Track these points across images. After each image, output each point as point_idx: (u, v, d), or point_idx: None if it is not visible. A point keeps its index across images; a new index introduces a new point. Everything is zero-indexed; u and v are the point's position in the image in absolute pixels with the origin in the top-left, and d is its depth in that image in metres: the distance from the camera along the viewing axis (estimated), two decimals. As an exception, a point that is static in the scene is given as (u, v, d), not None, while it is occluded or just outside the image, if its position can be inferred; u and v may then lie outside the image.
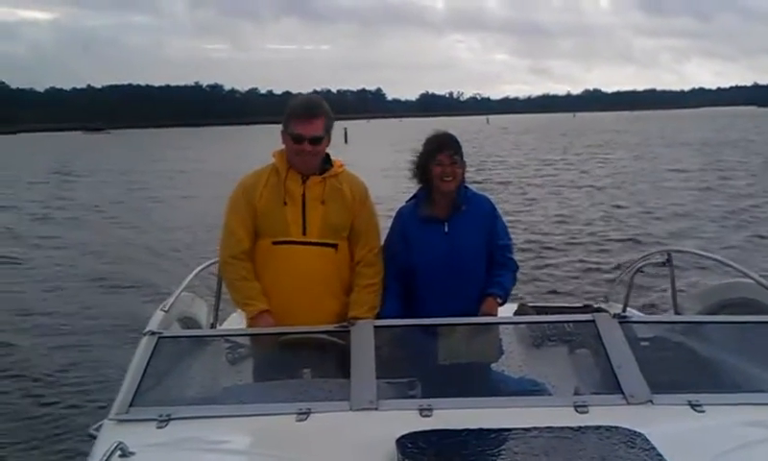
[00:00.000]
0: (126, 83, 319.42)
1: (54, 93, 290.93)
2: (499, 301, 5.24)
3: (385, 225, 5.46)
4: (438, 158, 5.16)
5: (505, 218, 5.64)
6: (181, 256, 20.25)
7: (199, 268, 6.03)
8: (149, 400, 4.08)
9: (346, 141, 77.04)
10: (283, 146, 5.14)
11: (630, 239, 21.69)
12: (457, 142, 5.29)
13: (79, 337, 13.40)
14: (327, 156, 5.21)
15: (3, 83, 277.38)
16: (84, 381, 10.88)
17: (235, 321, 6.30)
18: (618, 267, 15.63)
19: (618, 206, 29.03)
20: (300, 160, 5.03)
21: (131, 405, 4.00)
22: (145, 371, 4.23)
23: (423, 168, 5.25)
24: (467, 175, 5.37)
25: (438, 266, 5.17)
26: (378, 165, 38.49)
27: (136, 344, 4.52)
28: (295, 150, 5.00)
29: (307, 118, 5.00)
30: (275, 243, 5.03)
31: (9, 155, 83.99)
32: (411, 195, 5.49)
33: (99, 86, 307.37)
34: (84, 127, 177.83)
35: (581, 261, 18.72)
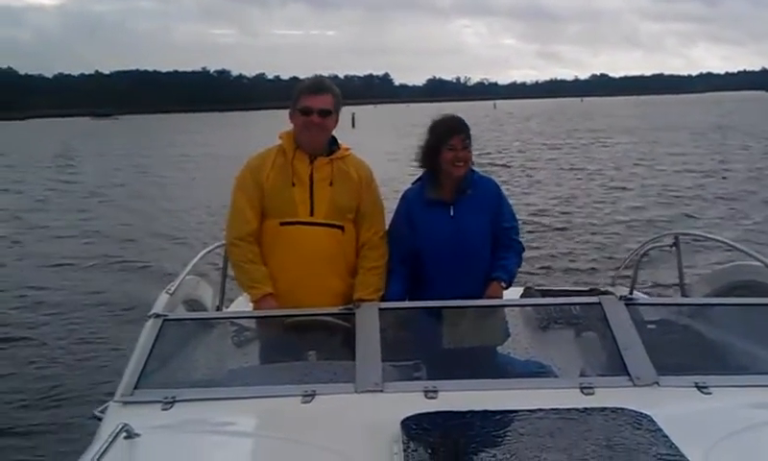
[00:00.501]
0: (134, 68, 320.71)
1: (62, 79, 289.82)
2: (503, 284, 5.23)
3: (390, 207, 5.44)
4: (450, 143, 5.11)
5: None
6: (187, 238, 20.50)
7: (204, 251, 6.05)
8: (154, 382, 4.08)
9: (353, 126, 77.51)
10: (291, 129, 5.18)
11: (628, 221, 22.05)
12: (467, 126, 5.26)
13: (82, 319, 13.54)
14: (335, 139, 5.22)
15: (11, 69, 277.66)
16: (89, 363, 11.01)
17: (241, 304, 6.29)
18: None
19: (617, 188, 29.63)
20: (308, 136, 5.05)
21: (135, 387, 4.00)
22: (150, 353, 4.23)
23: (434, 152, 5.19)
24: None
25: (443, 249, 5.16)
26: (385, 149, 38.86)
27: (141, 326, 4.52)
28: (303, 122, 5.03)
29: (316, 92, 5.07)
30: (282, 224, 5.03)
31: (20, 140, 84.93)
32: (416, 178, 5.46)
33: (107, 72, 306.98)
34: (93, 112, 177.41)
35: (585, 243, 18.96)
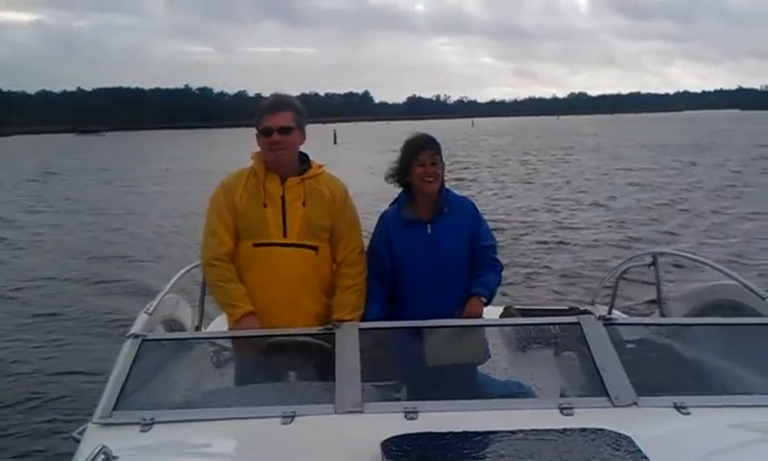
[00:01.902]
0: (116, 85, 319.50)
1: (45, 96, 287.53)
2: (483, 300, 5.21)
3: (370, 222, 5.46)
4: (419, 159, 5.15)
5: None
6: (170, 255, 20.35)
7: (183, 270, 6.01)
8: (132, 403, 4.05)
9: (335, 142, 78.13)
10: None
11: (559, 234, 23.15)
12: (437, 143, 5.28)
13: (59, 338, 13.39)
14: (306, 157, 5.22)
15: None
16: (67, 384, 10.82)
17: (220, 324, 6.24)
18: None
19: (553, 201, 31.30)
20: (272, 156, 5.03)
21: (114, 409, 3.97)
22: (129, 374, 4.20)
23: (405, 169, 5.23)
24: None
25: (421, 267, 5.17)
26: (366, 163, 39.34)
27: (120, 346, 4.49)
28: (265, 143, 5.02)
29: (275, 111, 5.06)
30: (255, 245, 5.02)
31: (5, 156, 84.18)
32: (393, 199, 5.46)
33: (89, 89, 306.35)
34: (78, 129, 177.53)
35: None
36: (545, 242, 21.91)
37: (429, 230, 5.21)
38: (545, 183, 39.23)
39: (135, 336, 4.52)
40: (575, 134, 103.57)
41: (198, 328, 6.12)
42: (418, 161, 5.15)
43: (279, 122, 5.00)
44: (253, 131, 5.11)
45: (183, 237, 22.39)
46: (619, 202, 30.62)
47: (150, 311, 5.05)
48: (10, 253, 22.98)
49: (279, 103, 5.12)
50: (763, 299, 5.08)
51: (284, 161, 5.06)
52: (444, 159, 5.28)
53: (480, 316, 5.18)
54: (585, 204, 30.62)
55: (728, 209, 27.74)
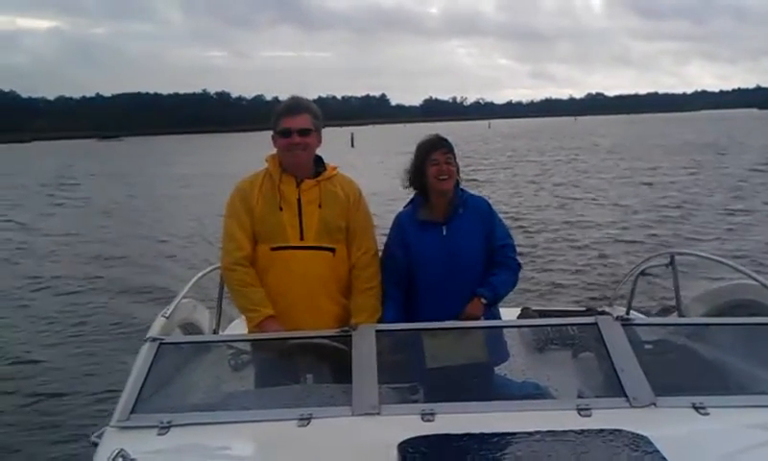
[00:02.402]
0: (135, 91, 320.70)
1: (64, 102, 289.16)
2: (484, 301, 5.18)
3: (385, 223, 5.49)
4: (433, 157, 5.18)
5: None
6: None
7: (200, 274, 6.04)
8: (150, 406, 4.07)
9: (353, 145, 78.27)
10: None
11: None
12: (449, 143, 5.31)
13: (79, 342, 13.52)
14: (321, 159, 5.22)
15: (13, 92, 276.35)
16: (86, 387, 10.92)
17: (237, 327, 6.28)
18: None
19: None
20: (291, 157, 5.04)
21: (132, 412, 3.99)
22: (146, 377, 4.22)
23: (419, 170, 5.25)
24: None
25: (437, 269, 5.17)
26: (383, 165, 40.12)
27: (138, 350, 4.51)
28: (285, 145, 5.03)
29: (294, 113, 5.07)
30: (273, 249, 5.02)
31: (26, 162, 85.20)
32: (408, 200, 5.48)
33: (108, 95, 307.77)
34: (99, 134, 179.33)
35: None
36: (557, 241, 22.17)
37: (445, 232, 5.21)
38: (557, 183, 40.02)
39: (153, 340, 4.54)
40: (590, 135, 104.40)
41: (215, 332, 6.15)
42: (432, 161, 5.17)
43: (299, 124, 5.02)
44: (270, 134, 5.13)
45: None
46: (633, 202, 30.69)
47: (167, 315, 5.07)
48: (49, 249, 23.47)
49: (298, 105, 5.13)
50: None
51: (303, 163, 5.08)
52: (457, 160, 5.30)
53: (478, 317, 5.14)
54: (600, 204, 30.71)
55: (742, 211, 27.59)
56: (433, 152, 5.20)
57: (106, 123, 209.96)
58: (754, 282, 5.52)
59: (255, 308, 5.00)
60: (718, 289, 6.44)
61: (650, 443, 3.32)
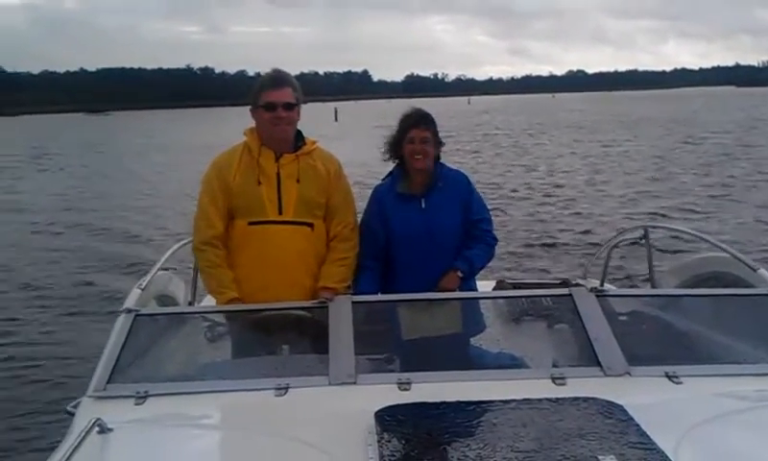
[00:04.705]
0: (118, 66, 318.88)
1: (48, 76, 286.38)
2: (460, 274, 5.19)
3: (364, 196, 5.49)
4: (409, 135, 5.18)
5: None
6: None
7: (176, 246, 6.02)
8: (127, 377, 4.07)
9: (336, 120, 78.87)
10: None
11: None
12: (428, 120, 5.30)
13: (54, 314, 13.51)
14: (300, 133, 5.18)
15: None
16: (61, 359, 10.90)
17: (213, 299, 6.27)
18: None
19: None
20: (277, 131, 5.00)
21: (108, 382, 3.99)
22: (122, 348, 4.22)
23: (397, 144, 5.27)
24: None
25: (415, 242, 5.18)
26: (365, 138, 40.43)
27: (114, 322, 4.50)
28: (269, 119, 4.98)
29: (277, 86, 5.03)
30: (251, 223, 5.00)
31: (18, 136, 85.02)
32: (387, 173, 5.49)
33: (92, 70, 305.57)
34: (86, 108, 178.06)
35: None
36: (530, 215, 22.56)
37: (423, 205, 5.23)
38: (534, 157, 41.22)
39: (129, 311, 4.54)
40: (559, 111, 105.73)
41: (191, 304, 6.15)
42: (407, 139, 5.18)
43: (284, 98, 4.99)
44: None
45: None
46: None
47: (143, 286, 5.06)
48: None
49: (281, 79, 5.09)
50: (755, 270, 5.09)
51: (287, 137, 5.06)
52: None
53: (453, 290, 5.14)
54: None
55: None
56: (410, 129, 5.19)
57: (92, 97, 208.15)
58: (725, 255, 5.56)
59: (221, 290, 5.01)
60: (691, 261, 6.50)
61: (624, 410, 3.36)
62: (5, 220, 24.41)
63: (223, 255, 5.04)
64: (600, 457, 2.90)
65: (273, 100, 4.97)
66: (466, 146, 46.69)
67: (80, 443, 3.13)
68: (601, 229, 19.66)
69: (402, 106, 5.52)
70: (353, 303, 4.57)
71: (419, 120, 5.25)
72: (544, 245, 18.42)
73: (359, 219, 5.37)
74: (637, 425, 3.21)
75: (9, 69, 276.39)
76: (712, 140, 47.11)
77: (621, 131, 58.86)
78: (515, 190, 28.13)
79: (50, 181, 36.97)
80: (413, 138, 5.16)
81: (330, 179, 5.14)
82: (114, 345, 4.25)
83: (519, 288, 6.36)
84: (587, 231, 19.84)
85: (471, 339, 4.95)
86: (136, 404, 3.81)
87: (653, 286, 6.46)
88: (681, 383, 3.86)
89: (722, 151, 40.11)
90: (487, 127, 70.73)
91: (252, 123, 5.16)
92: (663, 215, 21.65)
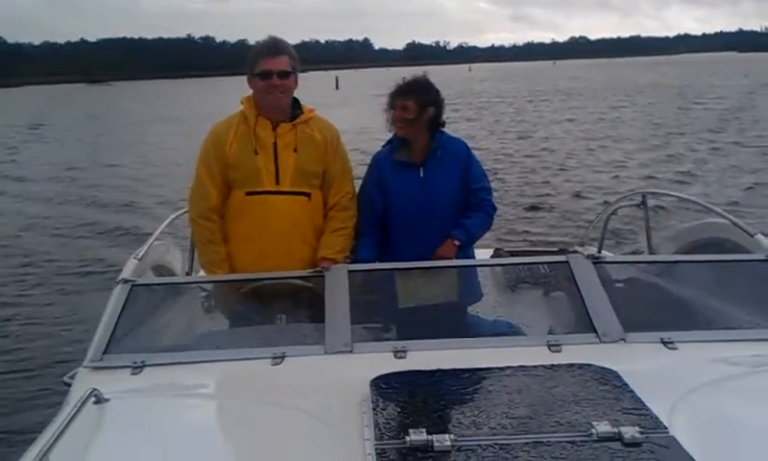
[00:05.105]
0: (119, 36, 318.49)
1: (50, 47, 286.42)
2: (457, 243, 5.18)
3: (363, 162, 5.49)
4: (395, 103, 5.18)
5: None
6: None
7: (172, 216, 5.97)
8: (123, 347, 4.08)
9: (337, 88, 79.18)
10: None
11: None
12: (412, 89, 5.25)
13: (50, 285, 13.56)
14: (297, 101, 5.14)
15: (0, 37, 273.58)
16: (58, 330, 10.96)
17: None
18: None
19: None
20: (271, 99, 4.97)
21: (105, 353, 4.00)
22: (119, 319, 4.23)
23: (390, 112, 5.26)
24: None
25: (413, 210, 5.17)
26: (365, 105, 40.44)
27: (110, 292, 4.50)
28: (263, 87, 4.95)
29: (273, 54, 4.99)
30: (248, 194, 4.98)
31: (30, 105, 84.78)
32: (386, 141, 5.46)
33: (94, 40, 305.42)
34: (88, 79, 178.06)
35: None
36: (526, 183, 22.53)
37: (422, 174, 5.21)
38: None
39: (125, 281, 4.53)
40: (557, 79, 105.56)
41: (188, 274, 6.13)
42: (395, 106, 5.18)
43: (279, 66, 4.95)
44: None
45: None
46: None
47: (139, 257, 5.04)
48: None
49: (277, 46, 5.05)
50: (752, 236, 5.07)
51: (282, 105, 5.02)
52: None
53: (450, 259, 5.13)
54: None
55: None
56: (395, 98, 5.20)
57: (93, 67, 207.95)
58: (723, 221, 5.54)
59: (212, 269, 5.05)
60: (688, 227, 6.47)
61: (619, 377, 3.37)
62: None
63: (217, 229, 5.04)
64: (594, 423, 2.90)
65: (268, 68, 4.93)
66: (465, 114, 46.61)
67: (76, 413, 3.14)
68: (595, 194, 19.88)
69: (403, 73, 5.49)
70: (349, 271, 4.56)
71: (400, 89, 5.24)
72: (533, 207, 18.78)
73: (357, 187, 5.36)
74: (632, 391, 3.22)
75: (10, 40, 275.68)
76: (709, 106, 47.17)
77: (622, 97, 59.01)
78: (508, 154, 28.60)
79: (49, 152, 37.05)
80: (396, 106, 5.16)
81: (328, 148, 5.11)
82: (111, 315, 4.25)
83: (517, 256, 6.35)
84: (581, 196, 19.95)
85: (468, 307, 4.97)
86: (133, 374, 3.82)
87: (650, 252, 6.45)
88: (676, 349, 3.87)
89: (721, 117, 40.05)
90: (486, 95, 70.78)
91: (250, 92, 5.12)
92: (659, 180, 21.75)
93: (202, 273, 6.25)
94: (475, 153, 5.46)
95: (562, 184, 22.23)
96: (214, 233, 5.03)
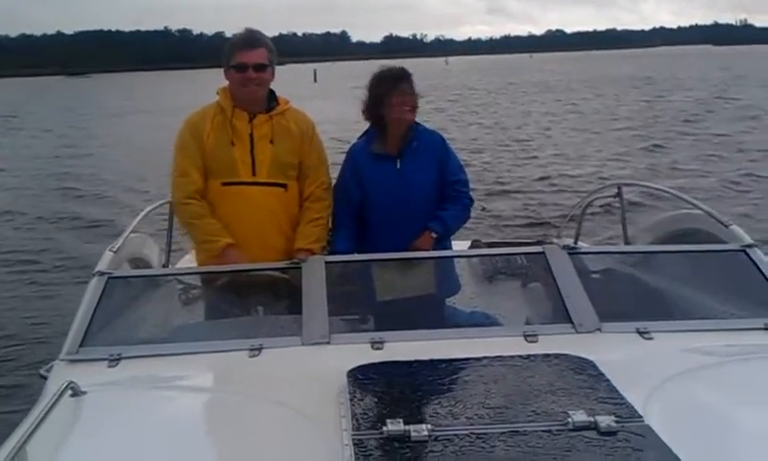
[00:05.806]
0: (95, 29, 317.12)
1: (26, 39, 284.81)
2: (434, 235, 5.18)
3: (341, 150, 5.47)
4: (399, 88, 5.11)
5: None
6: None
7: (148, 208, 5.91)
8: (99, 339, 4.06)
9: (315, 80, 79.45)
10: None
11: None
12: (409, 75, 5.26)
13: (25, 278, 13.42)
14: (273, 94, 5.14)
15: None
16: (34, 323, 10.84)
17: (187, 261, 6.25)
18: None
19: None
20: (246, 92, 4.96)
21: (81, 345, 3.98)
22: (95, 311, 4.20)
23: (380, 102, 5.16)
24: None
25: (390, 202, 5.17)
26: (343, 98, 40.40)
27: (86, 285, 4.47)
28: (239, 79, 4.94)
29: (249, 47, 4.99)
30: (224, 184, 4.98)
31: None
32: (362, 132, 5.45)
33: (70, 32, 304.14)
34: (67, 71, 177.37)
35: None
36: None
37: (398, 166, 5.20)
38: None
39: (101, 274, 4.49)
40: (530, 72, 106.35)
41: (165, 266, 6.10)
42: (398, 91, 5.11)
43: (255, 59, 4.94)
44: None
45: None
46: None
47: (115, 249, 4.99)
48: None
49: (254, 39, 5.04)
50: (727, 226, 5.10)
51: (258, 98, 5.02)
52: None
53: (427, 250, 5.12)
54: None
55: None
56: (398, 84, 5.14)
57: (72, 60, 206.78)
58: (698, 211, 5.57)
59: (214, 239, 4.96)
60: (664, 218, 6.47)
61: (595, 366, 3.39)
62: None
63: (207, 206, 5.02)
64: (570, 412, 2.92)
65: (244, 61, 4.93)
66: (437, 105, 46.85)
67: (52, 406, 3.11)
68: (569, 184, 20.02)
69: (380, 66, 5.47)
70: (327, 263, 4.56)
71: (403, 74, 5.23)
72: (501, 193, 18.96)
73: (334, 178, 5.36)
74: (608, 381, 3.24)
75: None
76: (680, 98, 47.69)
77: (594, 90, 59.38)
78: (475, 140, 29.26)
79: (25, 144, 36.79)
80: (404, 91, 5.12)
81: (304, 139, 5.12)
82: (87, 308, 4.22)
83: (493, 248, 6.35)
84: (557, 189, 19.98)
85: (446, 299, 4.98)
86: (109, 367, 3.81)
87: (626, 243, 6.48)
88: (651, 339, 3.91)
89: (693, 110, 40.21)
90: (461, 88, 70.55)
91: (226, 83, 5.11)
92: (635, 170, 21.91)
93: (180, 264, 6.26)
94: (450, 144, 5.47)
95: (532, 173, 22.42)
96: (204, 208, 5.00)
